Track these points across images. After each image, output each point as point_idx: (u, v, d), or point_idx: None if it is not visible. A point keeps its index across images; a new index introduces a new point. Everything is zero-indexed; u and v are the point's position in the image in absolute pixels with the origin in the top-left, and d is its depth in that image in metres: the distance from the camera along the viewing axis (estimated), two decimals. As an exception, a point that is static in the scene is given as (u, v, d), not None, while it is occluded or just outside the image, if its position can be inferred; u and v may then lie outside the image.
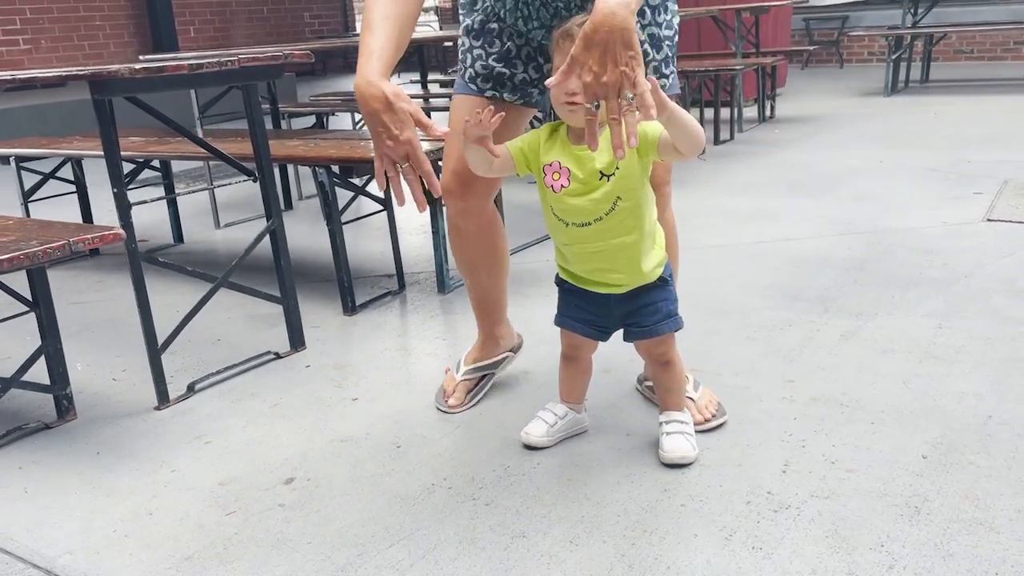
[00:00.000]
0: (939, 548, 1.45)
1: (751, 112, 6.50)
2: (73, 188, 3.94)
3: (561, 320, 1.83)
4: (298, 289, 2.59)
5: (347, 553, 1.55)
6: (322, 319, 2.79)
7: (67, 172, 3.92)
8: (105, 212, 3.93)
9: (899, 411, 1.92)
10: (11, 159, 3.85)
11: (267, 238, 2.46)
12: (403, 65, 8.27)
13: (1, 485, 1.89)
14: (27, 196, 3.90)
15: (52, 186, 4.00)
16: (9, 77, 2.28)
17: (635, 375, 2.14)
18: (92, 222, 3.87)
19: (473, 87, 1.87)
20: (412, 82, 7.64)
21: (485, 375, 2.13)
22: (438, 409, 2.08)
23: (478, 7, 1.83)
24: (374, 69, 1.53)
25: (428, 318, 2.77)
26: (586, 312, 1.78)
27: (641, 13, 1.73)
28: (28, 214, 3.90)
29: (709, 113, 5.62)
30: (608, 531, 1.56)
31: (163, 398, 2.23)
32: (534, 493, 1.70)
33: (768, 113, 6.43)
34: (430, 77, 6.13)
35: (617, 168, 1.59)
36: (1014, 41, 9.34)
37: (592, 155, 1.57)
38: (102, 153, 2.11)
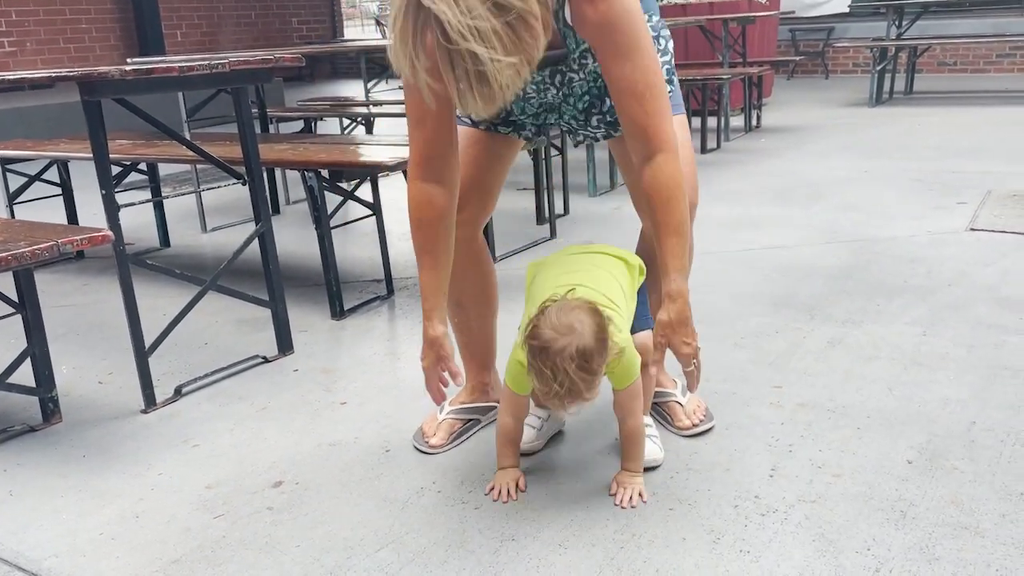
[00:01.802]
0: (924, 552, 1.46)
1: (738, 121, 6.54)
2: (59, 191, 3.91)
3: None
4: (286, 293, 2.59)
5: (336, 556, 1.55)
6: (310, 323, 2.79)
7: (53, 175, 3.90)
8: (91, 215, 3.91)
9: (884, 417, 1.94)
10: (-4, 161, 3.82)
11: (255, 242, 2.46)
12: (392, 71, 8.28)
13: (-15, 488, 1.87)
14: (12, 198, 3.87)
15: (38, 188, 3.97)
16: (-3, 78, 2.27)
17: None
18: (78, 224, 3.85)
19: (467, 120, 1.84)
20: (400, 88, 7.67)
21: (471, 420, 1.99)
22: (416, 449, 1.92)
23: None
24: (428, 307, 1.70)
25: (417, 323, 2.77)
26: None
27: None
28: (14, 216, 3.87)
29: (696, 122, 5.65)
30: (597, 535, 1.56)
31: (150, 401, 2.22)
32: (523, 497, 1.70)
33: (754, 122, 6.48)
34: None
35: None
36: (996, 54, 9.46)
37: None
38: (89, 155, 2.10)
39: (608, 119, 1.82)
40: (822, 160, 5.08)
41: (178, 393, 2.28)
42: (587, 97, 1.80)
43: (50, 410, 2.17)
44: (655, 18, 1.77)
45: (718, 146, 5.75)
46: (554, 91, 1.78)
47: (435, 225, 1.68)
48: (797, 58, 8.95)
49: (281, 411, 2.16)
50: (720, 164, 5.15)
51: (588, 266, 1.72)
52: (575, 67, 1.71)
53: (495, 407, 2.04)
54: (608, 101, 1.82)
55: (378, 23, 14.73)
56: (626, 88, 1.56)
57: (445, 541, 1.57)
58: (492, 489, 1.72)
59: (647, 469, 1.75)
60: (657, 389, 1.95)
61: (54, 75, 2.10)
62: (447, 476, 1.80)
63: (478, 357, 2.03)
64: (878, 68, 7.41)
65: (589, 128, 1.86)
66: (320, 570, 1.51)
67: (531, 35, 1.35)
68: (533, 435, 1.87)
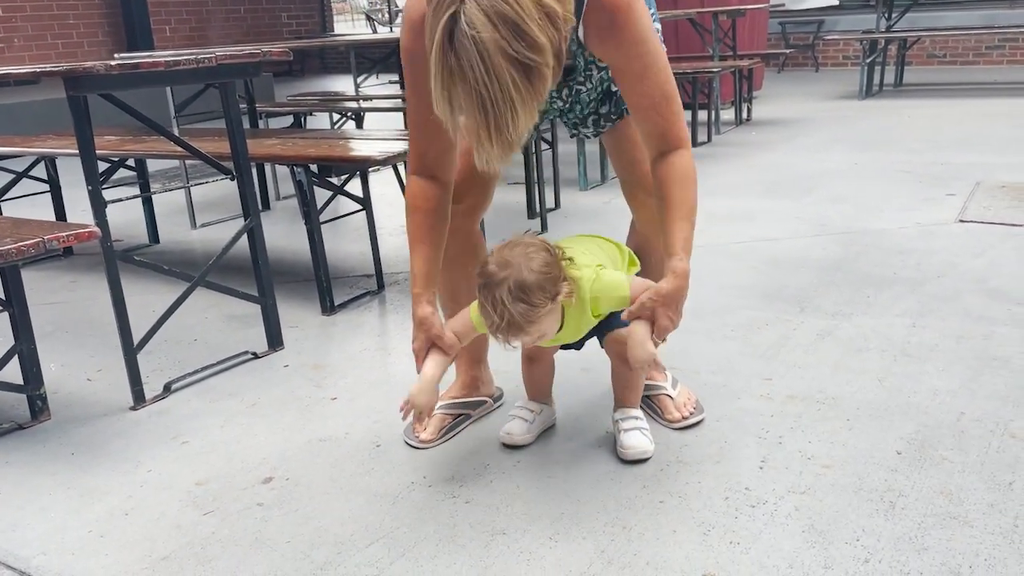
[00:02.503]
0: (914, 542, 1.47)
1: (728, 114, 6.55)
2: (47, 187, 3.89)
3: None
4: (276, 289, 2.58)
5: (326, 552, 1.55)
6: (300, 319, 2.78)
7: (40, 171, 3.87)
8: (79, 212, 3.89)
9: (874, 408, 1.94)
10: (-17, 158, 3.79)
11: (245, 237, 2.45)
12: (382, 66, 8.24)
13: (-27, 486, 1.86)
14: (-1, 195, 3.85)
15: (25, 185, 3.95)
16: (-18, 73, 2.25)
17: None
18: (66, 221, 3.82)
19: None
20: (391, 82, 7.65)
21: (462, 414, 1.99)
22: (406, 443, 1.92)
23: None
24: (417, 291, 1.73)
25: (407, 318, 2.75)
26: None
27: None
28: (0, 212, 3.84)
29: (687, 116, 5.65)
30: (588, 527, 1.56)
31: (139, 398, 2.21)
32: (514, 490, 1.70)
33: (745, 116, 6.48)
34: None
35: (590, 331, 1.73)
36: (986, 46, 9.48)
37: (557, 339, 1.70)
38: (76, 152, 2.08)
39: (602, 120, 1.85)
40: (812, 153, 5.08)
41: (167, 390, 2.27)
42: (592, 104, 1.84)
43: (38, 407, 2.16)
44: (652, 9, 1.80)
45: (708, 139, 5.75)
46: (560, 103, 1.81)
47: (429, 215, 1.73)
48: (787, 51, 8.94)
49: (271, 407, 2.16)
50: (710, 157, 5.15)
51: (576, 239, 1.77)
52: (582, 79, 1.75)
53: (487, 402, 2.05)
54: (607, 104, 1.84)
55: (368, 18, 14.68)
56: (646, 104, 1.62)
57: (436, 535, 1.57)
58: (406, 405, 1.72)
59: (637, 462, 1.76)
60: (647, 382, 1.95)
61: (39, 70, 2.09)
62: (437, 471, 1.80)
63: (470, 351, 2.02)
64: (868, 61, 7.42)
65: (586, 127, 1.90)
66: (310, 566, 1.51)
67: (544, 84, 1.40)
68: (524, 428, 1.87)
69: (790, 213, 3.71)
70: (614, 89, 1.83)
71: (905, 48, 8.39)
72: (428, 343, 1.71)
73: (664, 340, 1.64)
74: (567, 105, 1.83)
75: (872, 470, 1.69)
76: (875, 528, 1.51)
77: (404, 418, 1.75)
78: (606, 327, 1.77)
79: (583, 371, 2.18)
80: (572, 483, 1.72)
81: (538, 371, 1.90)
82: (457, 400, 2.01)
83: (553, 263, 1.56)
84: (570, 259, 1.60)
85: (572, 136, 2.06)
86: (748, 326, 2.47)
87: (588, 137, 1.92)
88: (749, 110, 6.57)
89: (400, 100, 5.54)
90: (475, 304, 1.67)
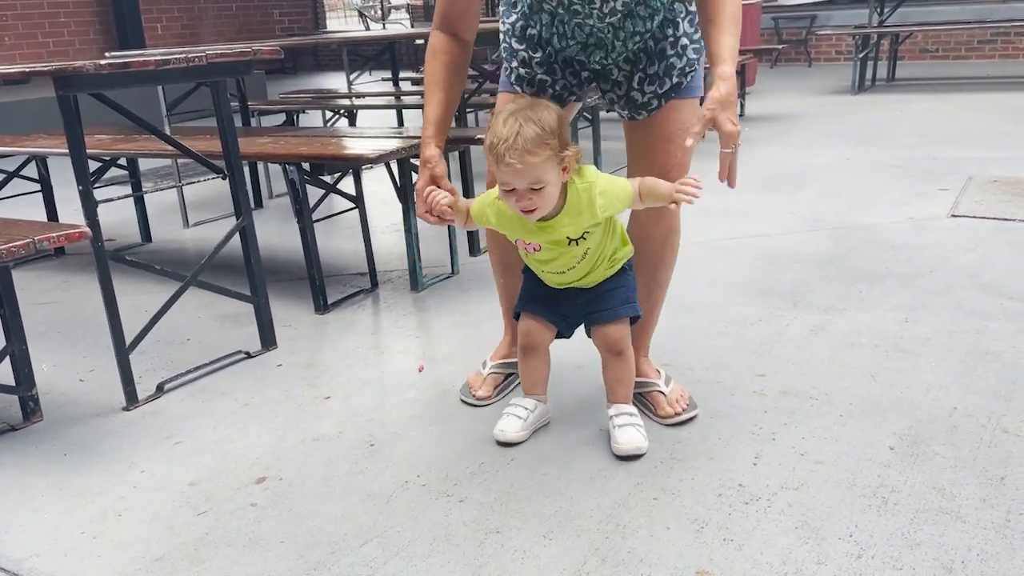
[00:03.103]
0: (906, 537, 1.47)
1: (721, 110, 6.54)
2: (38, 187, 3.87)
3: (524, 306, 1.86)
4: (269, 288, 2.57)
5: (320, 551, 1.54)
6: (293, 318, 2.77)
7: (31, 171, 3.86)
8: (71, 211, 3.87)
9: (867, 404, 1.95)
10: (-27, 157, 3.77)
11: (237, 236, 2.44)
12: (375, 63, 8.22)
13: (-35, 488, 1.86)
14: (-10, 195, 3.83)
15: (16, 185, 3.93)
16: (-30, 73, 2.23)
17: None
18: (58, 221, 3.81)
19: (518, 88, 1.93)
20: (384, 79, 7.63)
21: (512, 373, 2.12)
22: (463, 401, 2.08)
23: (518, 8, 1.87)
24: (428, 134, 1.81)
25: (401, 316, 2.76)
26: (549, 300, 1.84)
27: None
28: (-9, 213, 3.83)
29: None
30: (582, 525, 1.56)
31: (132, 398, 2.20)
32: (508, 489, 1.70)
33: (738, 111, 6.48)
34: (401, 75, 6.10)
35: (587, 232, 1.71)
36: (978, 40, 9.50)
37: (556, 227, 1.70)
38: (67, 151, 2.07)
39: (647, 84, 1.84)
40: (805, 148, 5.09)
41: (160, 390, 2.27)
42: (638, 36, 1.80)
43: (30, 408, 2.15)
44: None
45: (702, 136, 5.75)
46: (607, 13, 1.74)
47: (448, 65, 1.82)
48: (780, 46, 8.95)
49: (264, 406, 2.15)
50: (703, 153, 5.12)
51: None
52: None
53: None
54: (659, 61, 1.82)
55: (361, 15, 14.63)
56: None
57: (430, 535, 1.57)
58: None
59: (631, 458, 1.76)
60: (640, 379, 1.96)
61: (28, 70, 2.07)
62: (431, 469, 1.80)
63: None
64: (860, 55, 7.43)
65: (632, 93, 1.86)
66: (304, 566, 1.51)
67: None
68: (518, 426, 1.87)
69: (783, 208, 3.71)
70: (669, 36, 1.82)
71: (897, 43, 8.41)
72: (430, 182, 1.79)
73: (736, 147, 1.66)
74: (618, 19, 1.76)
75: (865, 466, 1.70)
76: (868, 524, 1.51)
77: (425, 211, 1.79)
78: (595, 312, 1.80)
79: (577, 368, 2.18)
80: (565, 481, 1.72)
81: (534, 362, 1.90)
82: (507, 360, 2.13)
83: (566, 134, 1.64)
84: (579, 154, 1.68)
85: (610, 104, 1.99)
86: (741, 322, 2.47)
87: (637, 113, 1.89)
88: (742, 105, 6.58)
89: (393, 98, 5.53)
90: (480, 199, 1.79)
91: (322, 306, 2.82)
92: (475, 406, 2.05)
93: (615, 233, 1.80)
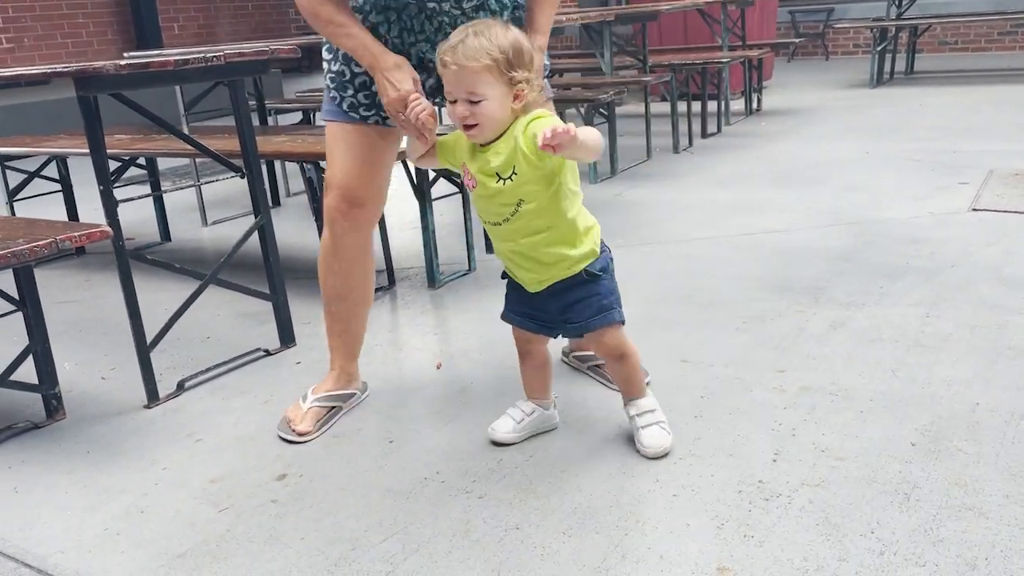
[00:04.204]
0: (929, 534, 1.46)
1: (738, 105, 6.52)
2: (58, 187, 3.91)
3: (505, 314, 1.85)
4: (288, 286, 2.58)
5: (341, 548, 1.55)
6: (312, 315, 2.78)
7: (52, 171, 3.89)
8: (91, 211, 3.89)
9: (888, 399, 1.93)
10: (-5, 158, 3.82)
11: (256, 235, 2.45)
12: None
13: (-9, 485, 1.88)
14: (12, 195, 3.87)
15: (37, 185, 3.97)
16: (-7, 75, 2.26)
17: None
18: (78, 221, 3.85)
19: (355, 115, 1.88)
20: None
21: (335, 407, 2.05)
22: (280, 438, 1.96)
23: (358, 18, 1.80)
24: (378, 50, 1.75)
25: (419, 313, 2.77)
26: (525, 306, 1.80)
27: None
28: (13, 213, 3.87)
29: (696, 106, 5.63)
30: (601, 522, 1.56)
31: (153, 396, 2.22)
32: (527, 485, 1.70)
33: (755, 106, 6.45)
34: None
35: (515, 173, 1.62)
36: (998, 32, 9.39)
37: (488, 157, 1.65)
38: (88, 151, 2.09)
39: None
40: (823, 142, 5.05)
41: (181, 388, 2.28)
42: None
43: (53, 407, 2.18)
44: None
45: (718, 130, 5.73)
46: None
47: (339, 4, 1.77)
48: (797, 40, 8.86)
49: (284, 404, 2.16)
50: (720, 148, 5.12)
51: None
52: None
53: (355, 394, 2.11)
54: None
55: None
56: None
57: (450, 531, 1.57)
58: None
59: (657, 458, 1.75)
60: (587, 352, 2.03)
61: (49, 71, 2.09)
62: (451, 466, 1.80)
63: (349, 347, 2.11)
64: (878, 49, 7.37)
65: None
66: (325, 562, 1.52)
67: None
68: (510, 427, 1.87)
69: (801, 203, 3.69)
70: None
71: (916, 35, 8.33)
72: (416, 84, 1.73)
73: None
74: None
75: (886, 462, 1.68)
76: (890, 520, 1.50)
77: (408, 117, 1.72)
78: (569, 323, 1.76)
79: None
80: (585, 477, 1.71)
81: (529, 368, 1.88)
82: (331, 393, 2.06)
83: (532, 66, 1.61)
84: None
85: None
86: (760, 318, 2.46)
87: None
88: (759, 100, 6.54)
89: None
90: (443, 138, 1.75)
91: (340, 304, 2.82)
92: (296, 443, 1.94)
93: (561, 199, 1.66)
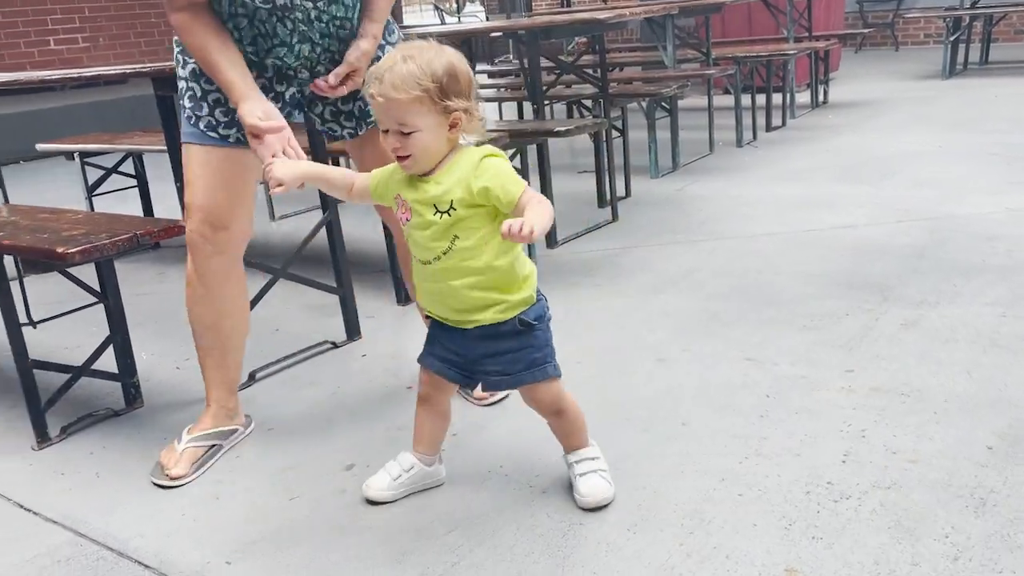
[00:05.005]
0: (1006, 540, 1.42)
1: (804, 97, 6.38)
2: (134, 182, 4.04)
3: (422, 357, 1.68)
4: (353, 280, 2.63)
5: (406, 538, 1.58)
6: (377, 309, 2.83)
7: (128, 167, 4.03)
8: (165, 206, 4.03)
9: (963, 401, 1.88)
10: (75, 154, 3.97)
11: (323, 229, 2.50)
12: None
13: (74, 470, 1.96)
14: (91, 190, 4.02)
15: (114, 180, 4.11)
16: (76, 75, 2.35)
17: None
18: (153, 215, 3.97)
19: (214, 135, 1.81)
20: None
21: (215, 445, 1.94)
22: (154, 484, 1.85)
23: None
24: (243, 90, 1.72)
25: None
26: (448, 351, 1.63)
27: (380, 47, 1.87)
28: (92, 208, 4.01)
29: (760, 99, 5.54)
30: (665, 519, 1.56)
31: (225, 386, 2.28)
32: (591, 481, 1.70)
33: (821, 98, 6.31)
34: (478, 68, 6.14)
35: (453, 209, 1.49)
36: (1080, 19, 9.01)
37: (428, 187, 1.51)
38: (163, 148, 2.17)
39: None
40: (893, 135, 4.92)
41: (252, 378, 2.35)
42: (338, 22, 1.78)
43: (132, 395, 2.26)
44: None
45: (783, 124, 5.63)
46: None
47: (207, 26, 1.73)
48: (865, 31, 8.66)
49: (351, 396, 2.21)
50: (785, 142, 5.03)
51: None
52: None
53: (238, 430, 2.02)
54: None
55: (436, 8, 14.74)
56: None
57: (513, 524, 1.59)
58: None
59: (597, 510, 1.61)
60: None
61: (129, 71, 2.17)
62: (513, 460, 1.82)
63: (227, 381, 2.01)
64: (951, 39, 7.14)
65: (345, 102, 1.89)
66: (392, 552, 1.55)
67: None
68: (385, 483, 1.71)
69: (869, 198, 3.60)
70: None
71: (991, 24, 8.03)
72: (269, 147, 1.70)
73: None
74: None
75: (961, 465, 1.64)
76: (965, 525, 1.47)
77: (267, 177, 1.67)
78: (496, 375, 1.61)
79: (659, 361, 2.17)
80: (648, 475, 1.71)
81: (424, 416, 1.72)
82: (209, 431, 1.95)
83: (470, 91, 1.49)
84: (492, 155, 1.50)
85: (325, 123, 2.02)
86: (828, 316, 2.41)
87: (350, 125, 1.94)
88: (826, 92, 6.40)
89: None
90: (376, 173, 1.64)
91: (404, 298, 2.86)
92: (170, 488, 1.83)
93: (494, 242, 1.51)
